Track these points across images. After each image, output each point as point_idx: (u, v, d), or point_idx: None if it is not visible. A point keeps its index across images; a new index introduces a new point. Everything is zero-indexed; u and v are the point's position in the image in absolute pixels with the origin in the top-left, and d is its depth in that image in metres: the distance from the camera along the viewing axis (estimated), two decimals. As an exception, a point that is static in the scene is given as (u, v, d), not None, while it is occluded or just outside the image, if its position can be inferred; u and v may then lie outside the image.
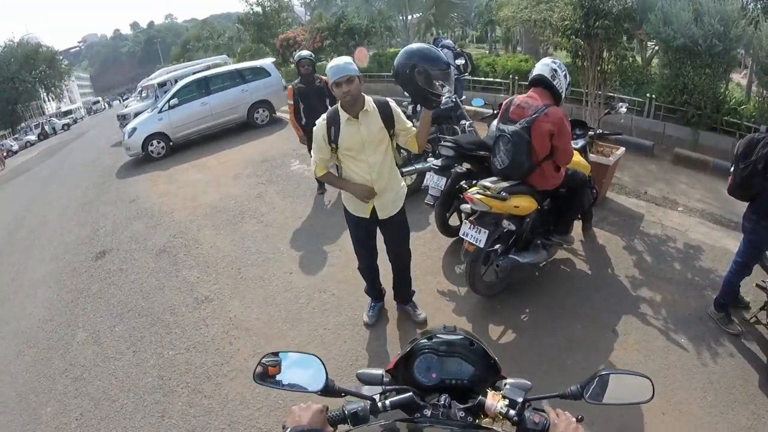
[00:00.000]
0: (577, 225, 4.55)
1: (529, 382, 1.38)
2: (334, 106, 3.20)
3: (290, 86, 6.33)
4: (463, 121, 5.65)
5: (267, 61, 12.98)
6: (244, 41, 27.47)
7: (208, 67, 15.40)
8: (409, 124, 3.26)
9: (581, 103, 7.07)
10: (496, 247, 3.73)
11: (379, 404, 1.28)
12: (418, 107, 5.91)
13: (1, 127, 39.93)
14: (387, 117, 3.15)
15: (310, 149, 5.94)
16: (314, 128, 3.18)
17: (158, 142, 11.16)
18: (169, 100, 11.30)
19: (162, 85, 15.49)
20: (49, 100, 50.82)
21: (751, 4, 6.57)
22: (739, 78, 7.67)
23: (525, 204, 3.60)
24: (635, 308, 3.76)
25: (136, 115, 13.48)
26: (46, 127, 37.11)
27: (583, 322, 3.65)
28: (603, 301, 3.87)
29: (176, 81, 13.65)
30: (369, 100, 3.12)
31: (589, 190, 4.30)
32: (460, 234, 3.68)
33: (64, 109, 46.89)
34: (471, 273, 3.69)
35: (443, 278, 4.37)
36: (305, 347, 3.66)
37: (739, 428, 2.80)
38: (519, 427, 1.25)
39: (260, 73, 11.85)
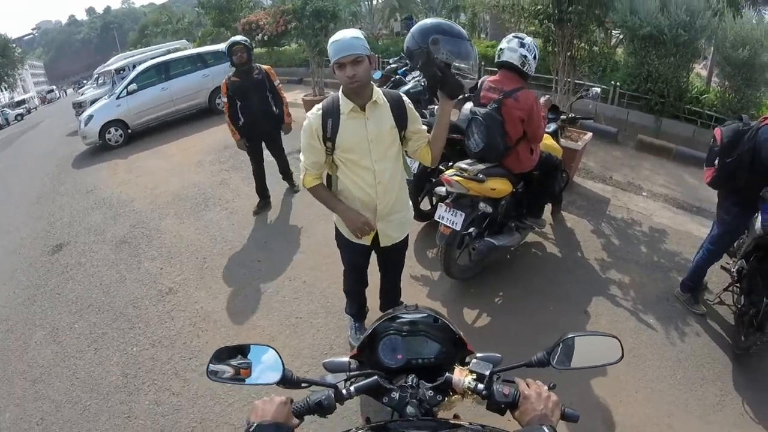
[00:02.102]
0: (547, 209, 4.58)
1: (498, 355, 1.38)
2: (332, 95, 2.48)
3: (224, 80, 5.32)
4: (432, 105, 5.57)
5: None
6: (205, 26, 26.67)
7: (168, 52, 14.90)
8: (424, 127, 2.59)
9: (551, 90, 7.08)
10: (471, 230, 3.73)
11: (344, 391, 1.26)
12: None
13: None
14: (399, 114, 2.46)
15: (253, 157, 5.57)
16: (305, 122, 2.45)
17: (116, 130, 10.75)
18: (127, 86, 10.87)
19: (119, 71, 14.90)
20: (1, 90, 48.59)
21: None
22: (698, 69, 7.88)
23: (501, 186, 3.59)
24: (605, 290, 3.84)
25: (92, 102, 12.98)
26: None
27: (555, 304, 3.69)
28: (574, 283, 3.93)
29: (134, 66, 13.13)
30: (378, 90, 2.43)
31: (561, 174, 4.33)
32: (436, 217, 3.61)
33: (17, 99, 44.82)
34: (446, 257, 3.64)
35: (416, 263, 4.31)
36: (277, 338, 3.58)
37: (708, 404, 2.89)
38: (489, 401, 1.23)
39: (222, 57, 11.16)
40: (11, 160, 14.46)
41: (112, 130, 10.70)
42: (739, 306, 3.30)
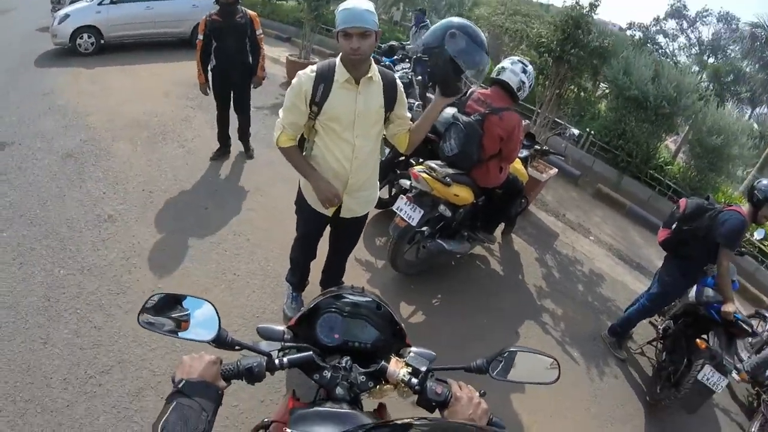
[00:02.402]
0: (499, 228, 4.77)
1: (433, 353, 1.40)
2: (329, 60, 2.43)
3: (204, 17, 4.97)
4: (411, 100, 5.58)
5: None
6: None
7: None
8: (409, 114, 2.62)
9: (530, 120, 7.24)
10: (425, 228, 3.81)
11: (276, 361, 1.24)
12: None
13: None
14: (390, 95, 2.48)
15: (220, 101, 5.32)
16: (295, 80, 2.38)
17: (89, 36, 10.09)
18: (112, -6, 10.17)
19: (107, -26, 13.94)
20: None
21: (707, 84, 7.05)
22: (669, 141, 8.34)
23: (464, 194, 3.68)
24: (538, 316, 4.06)
25: (73, 1, 12.14)
26: None
27: (489, 317, 3.87)
28: (510, 303, 4.13)
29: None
30: (375, 67, 2.42)
31: (521, 199, 4.53)
32: (394, 208, 3.67)
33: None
34: (395, 248, 3.73)
35: (363, 248, 4.36)
36: (210, 290, 3.55)
37: None
38: (420, 397, 1.25)
39: None
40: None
41: (85, 35, 10.06)
42: (660, 361, 3.62)
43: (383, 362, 1.30)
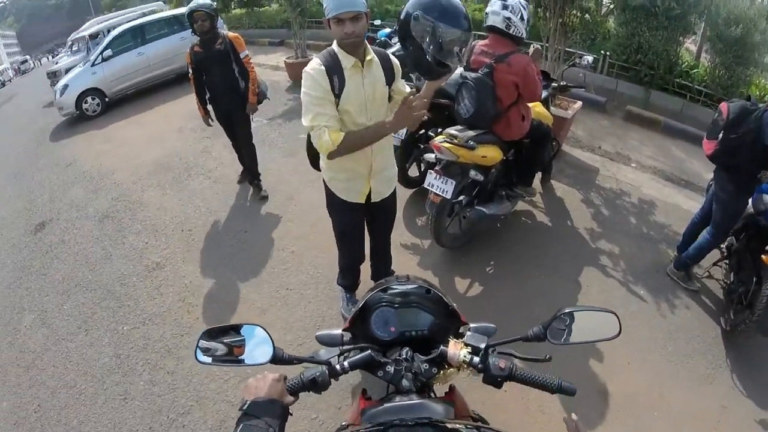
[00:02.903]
0: (537, 177, 4.54)
1: (492, 326, 1.37)
2: (327, 51, 2.34)
3: (188, 50, 4.78)
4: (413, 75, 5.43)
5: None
6: (182, -14, 25.57)
7: (143, 15, 14.21)
8: (407, 89, 2.51)
9: (541, 56, 6.96)
10: (461, 198, 3.67)
11: (338, 366, 1.24)
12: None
13: None
14: (388, 71, 2.44)
15: (228, 131, 5.14)
16: (308, 79, 2.26)
17: (93, 99, 10.35)
18: (102, 52, 10.44)
19: (94, 36, 14.27)
20: None
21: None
22: (688, 44, 7.82)
23: (492, 154, 3.52)
24: (595, 260, 3.86)
25: (67, 71, 12.43)
26: None
27: (546, 273, 3.71)
28: (564, 252, 3.94)
29: (109, 31, 12.55)
30: (370, 48, 2.38)
31: (551, 142, 4.29)
32: (425, 185, 3.55)
33: (-11, 72, 43.22)
34: (436, 225, 3.61)
35: (405, 231, 4.28)
36: (268, 311, 3.57)
37: (698, 376, 2.94)
38: (485, 375, 1.22)
39: None
40: (-15, 137, 14.05)
41: (89, 99, 10.31)
42: (729, 283, 3.35)
43: (442, 346, 1.27)
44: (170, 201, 5.59)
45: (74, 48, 16.86)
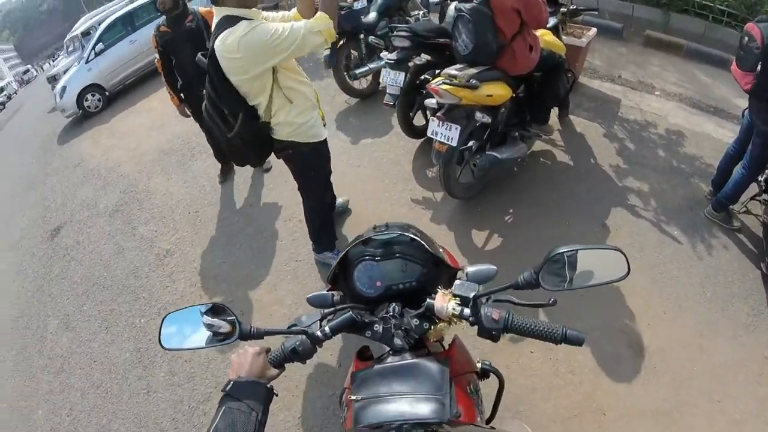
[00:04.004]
0: (553, 113, 4.17)
1: (493, 267, 1.24)
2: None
3: (152, 32, 4.26)
4: (416, 11, 5.10)
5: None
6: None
7: (131, 1, 13.92)
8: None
9: None
10: (470, 144, 3.34)
11: (318, 333, 1.18)
12: None
13: None
14: None
15: (201, 123, 4.48)
16: (263, 26, 2.14)
17: (93, 95, 10.20)
18: (94, 47, 10.20)
19: (86, 33, 13.90)
20: None
21: None
22: None
23: (499, 92, 3.16)
24: (623, 200, 3.51)
25: (66, 72, 12.35)
26: None
27: (571, 218, 3.40)
28: (589, 193, 3.60)
29: (99, 25, 12.33)
30: None
31: (566, 73, 3.85)
32: (429, 133, 3.26)
33: (-7, 89, 43.78)
34: (445, 175, 3.32)
35: (415, 185, 4.02)
36: (279, 285, 3.45)
37: (739, 324, 2.66)
38: (479, 328, 1.11)
39: None
40: (-1, 154, 14.21)
41: (89, 96, 10.17)
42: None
43: (428, 299, 1.16)
44: (175, 185, 5.47)
45: (70, 48, 16.71)
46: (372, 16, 5.08)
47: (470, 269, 1.25)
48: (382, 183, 3.93)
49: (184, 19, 4.06)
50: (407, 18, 5.36)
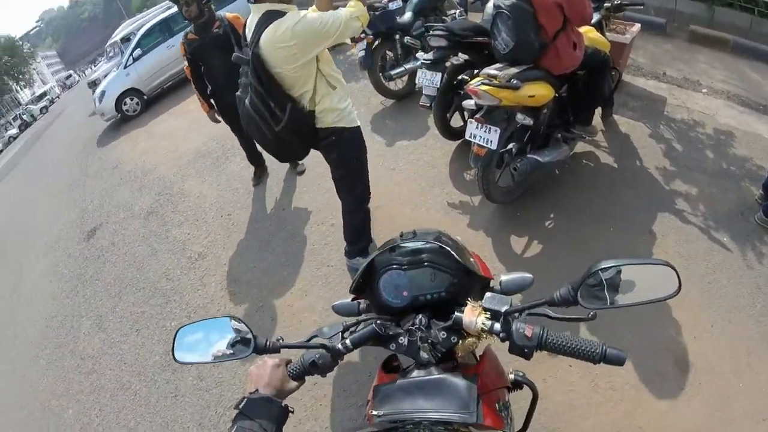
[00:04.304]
0: (596, 113, 3.91)
1: (528, 275, 1.18)
2: None
3: (181, 39, 4.24)
4: (453, 11, 4.98)
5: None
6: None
7: (168, 8, 14.21)
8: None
9: None
10: (510, 146, 3.19)
11: (339, 346, 1.13)
12: None
13: None
14: None
15: (233, 127, 4.55)
16: (311, 16, 2.31)
17: (131, 99, 10.48)
18: (132, 53, 10.47)
19: (126, 39, 14.28)
20: (21, 89, 50.02)
21: None
22: None
23: (541, 92, 2.99)
24: (671, 205, 3.27)
25: (106, 77, 12.70)
26: (25, 117, 36.94)
27: (615, 224, 3.18)
28: (634, 198, 3.37)
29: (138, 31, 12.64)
30: None
31: (610, 71, 3.62)
32: (467, 136, 3.09)
33: (38, 92, 45.75)
34: (484, 179, 3.16)
35: (452, 188, 3.87)
36: (310, 291, 3.37)
37: None
38: (510, 344, 1.02)
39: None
40: (41, 154, 14.82)
41: (128, 100, 10.45)
42: None
43: (457, 312, 1.09)
44: (209, 188, 5.47)
45: (110, 54, 17.19)
46: (407, 16, 4.99)
47: (504, 278, 1.19)
48: (418, 186, 3.82)
49: (212, 26, 4.05)
50: (443, 17, 5.25)
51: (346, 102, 2.65)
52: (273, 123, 2.46)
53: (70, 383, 3.76)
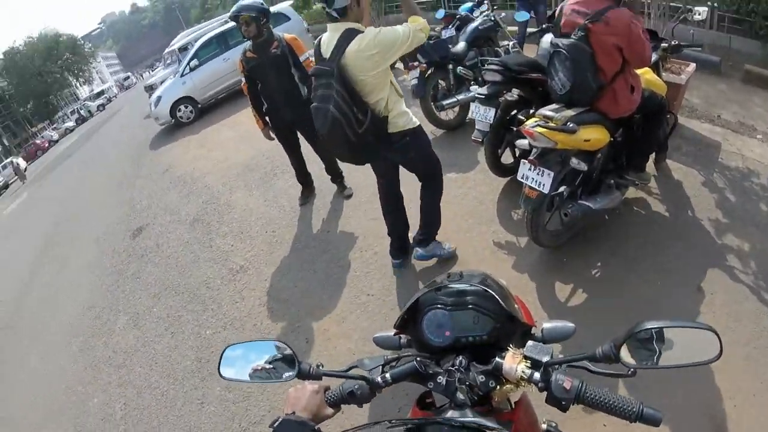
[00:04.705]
0: (649, 158, 3.78)
1: (570, 325, 1.19)
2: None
3: (239, 56, 4.32)
4: (506, 42, 4.98)
5: (284, 5, 12.15)
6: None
7: (226, 22, 14.68)
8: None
9: (642, 14, 6.17)
10: (562, 189, 3.09)
11: (379, 379, 1.15)
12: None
13: (39, 120, 42.12)
14: None
15: (286, 146, 4.70)
16: (389, 30, 2.67)
17: (186, 107, 10.88)
18: (189, 62, 10.90)
19: (183, 49, 14.91)
20: (80, 85, 52.55)
21: None
22: None
23: (597, 136, 2.92)
24: (721, 260, 3.09)
25: (163, 83, 13.20)
26: (82, 112, 38.77)
27: (663, 277, 3.04)
28: (685, 250, 3.21)
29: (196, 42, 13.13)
30: None
31: (666, 115, 3.52)
32: (519, 177, 3.04)
33: (96, 90, 47.91)
34: (533, 222, 3.09)
35: (499, 227, 3.80)
36: (347, 318, 3.35)
37: None
38: (548, 395, 1.02)
39: (279, 19, 10.56)
40: (95, 150, 15.43)
41: (182, 107, 10.84)
42: None
43: (497, 358, 1.10)
44: (256, 202, 5.56)
45: (168, 61, 17.86)
46: (461, 46, 4.99)
47: (546, 326, 1.20)
48: (465, 223, 3.80)
49: (270, 46, 4.11)
50: (496, 49, 5.25)
51: (406, 107, 3.01)
52: (357, 126, 2.73)
53: (99, 373, 3.88)
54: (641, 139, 3.29)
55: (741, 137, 4.41)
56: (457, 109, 5.20)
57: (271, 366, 1.17)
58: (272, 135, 4.59)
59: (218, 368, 1.20)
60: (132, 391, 3.55)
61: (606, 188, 3.28)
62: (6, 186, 23.87)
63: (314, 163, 5.00)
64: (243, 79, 4.35)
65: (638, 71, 3.12)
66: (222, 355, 1.19)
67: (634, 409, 0.95)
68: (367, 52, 2.62)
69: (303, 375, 1.15)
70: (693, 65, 4.47)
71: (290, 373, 1.15)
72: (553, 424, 1.31)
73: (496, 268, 3.34)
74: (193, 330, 3.84)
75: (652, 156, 3.80)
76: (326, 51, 2.75)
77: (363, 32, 2.64)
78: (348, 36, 2.65)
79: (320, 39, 2.85)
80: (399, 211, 3.41)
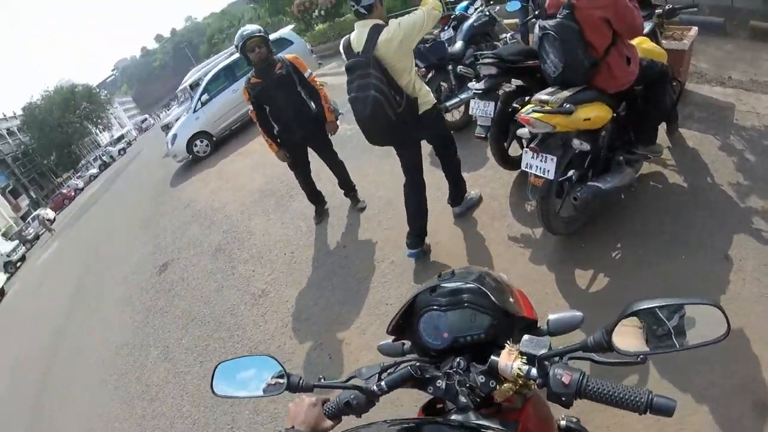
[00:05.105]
0: (661, 129, 3.64)
1: (578, 314, 1.11)
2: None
3: (243, 85, 4.39)
4: (504, 35, 4.92)
5: (286, 30, 12.47)
6: (262, 17, 26.79)
7: (231, 54, 14.99)
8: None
9: None
10: (570, 173, 3.00)
11: (374, 387, 1.12)
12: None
13: (64, 170, 43.57)
14: None
15: (295, 169, 4.74)
16: (413, 18, 3.11)
17: (201, 141, 11.11)
18: (200, 97, 11.15)
19: (195, 85, 15.23)
20: (100, 132, 54.38)
21: None
22: None
23: (597, 113, 2.83)
24: (747, 224, 2.92)
25: (177, 120, 13.52)
26: (104, 158, 40.01)
27: (687, 250, 2.88)
28: (708, 219, 3.05)
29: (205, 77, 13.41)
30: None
31: (671, 83, 3.36)
32: (522, 167, 2.96)
33: (116, 135, 49.42)
34: (543, 211, 3.00)
35: (513, 221, 3.72)
36: (367, 329, 3.34)
37: None
38: (548, 391, 0.96)
39: (282, 44, 10.77)
40: (118, 194, 15.87)
41: (198, 142, 11.07)
42: None
43: (493, 356, 1.05)
44: (274, 225, 5.62)
45: (181, 99, 18.29)
46: (458, 45, 4.93)
47: (552, 317, 1.13)
48: (479, 219, 3.76)
49: (274, 68, 4.16)
50: (495, 43, 5.18)
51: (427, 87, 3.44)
52: (396, 106, 3.08)
53: (134, 408, 3.96)
54: (646, 110, 3.16)
55: (754, 95, 4.19)
56: (462, 108, 5.14)
57: (263, 380, 1.17)
58: (286, 156, 4.57)
59: (211, 386, 1.19)
60: (165, 422, 3.63)
61: (616, 166, 3.16)
62: (37, 237, 24.51)
63: (327, 181, 5.06)
64: (250, 107, 4.38)
65: (634, 41, 3.03)
66: (214, 372, 1.19)
67: (642, 400, 0.87)
68: (396, 40, 3.02)
69: (293, 388, 1.14)
70: (695, 29, 4.28)
71: (280, 388, 1.14)
72: (574, 420, 1.25)
73: (513, 263, 3.28)
74: (220, 357, 3.83)
75: (663, 127, 3.68)
76: (357, 45, 3.11)
77: (387, 25, 3.07)
78: (377, 29, 3.04)
79: (348, 38, 3.22)
80: (422, 199, 3.60)
